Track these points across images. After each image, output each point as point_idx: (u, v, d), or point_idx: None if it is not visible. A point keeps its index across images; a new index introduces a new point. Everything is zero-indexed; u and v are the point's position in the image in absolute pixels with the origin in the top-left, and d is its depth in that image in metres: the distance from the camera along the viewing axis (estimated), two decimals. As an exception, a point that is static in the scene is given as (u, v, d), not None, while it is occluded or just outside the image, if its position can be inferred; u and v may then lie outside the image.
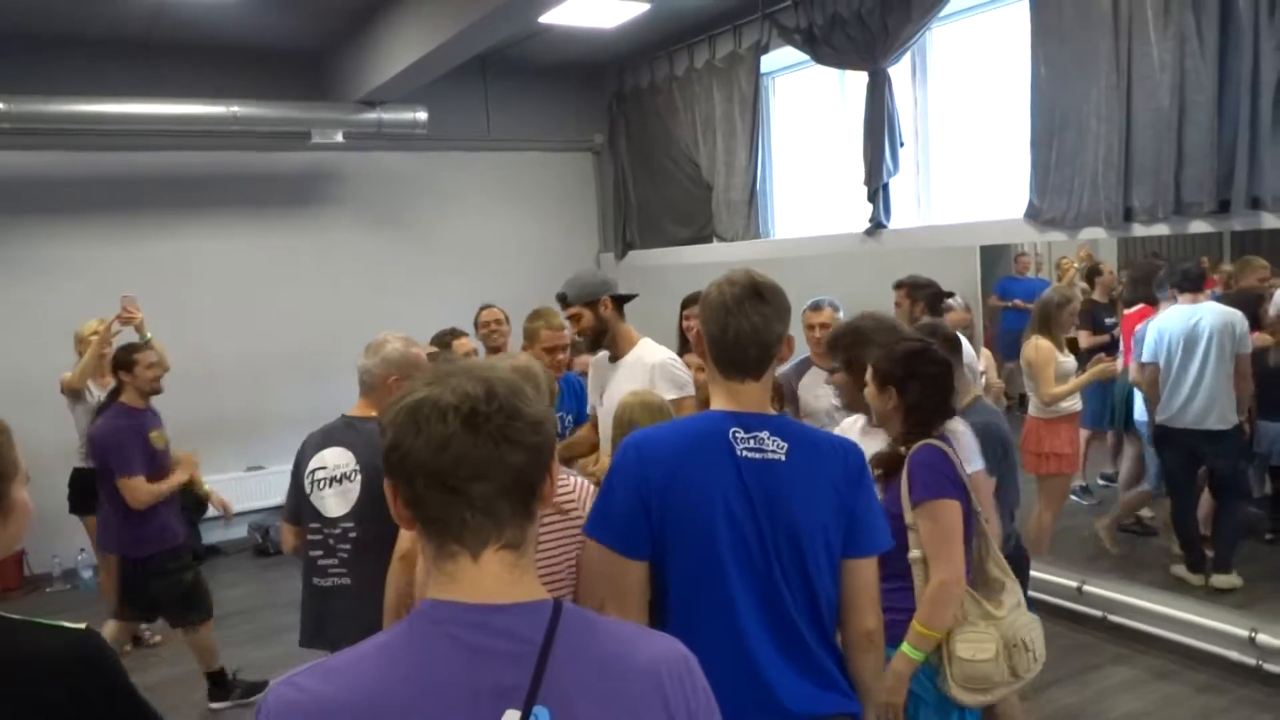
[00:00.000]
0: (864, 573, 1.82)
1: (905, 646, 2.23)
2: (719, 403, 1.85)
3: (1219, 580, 4.45)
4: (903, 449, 2.36)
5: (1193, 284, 4.65)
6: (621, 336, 3.26)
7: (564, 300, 3.24)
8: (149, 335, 5.02)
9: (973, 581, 2.34)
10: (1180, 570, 4.67)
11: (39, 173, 6.14)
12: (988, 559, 2.37)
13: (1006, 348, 7.67)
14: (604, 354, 3.37)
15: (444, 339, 4.78)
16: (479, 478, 1.01)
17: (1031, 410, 4.74)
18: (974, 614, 2.26)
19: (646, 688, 1.03)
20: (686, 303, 4.47)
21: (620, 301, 3.28)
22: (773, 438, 1.78)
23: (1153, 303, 5.01)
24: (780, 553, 1.74)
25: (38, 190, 6.15)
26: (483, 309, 5.27)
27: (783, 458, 1.77)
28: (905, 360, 2.37)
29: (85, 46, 6.01)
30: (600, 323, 3.21)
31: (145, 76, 6.09)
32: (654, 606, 1.82)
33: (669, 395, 3.00)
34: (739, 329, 1.79)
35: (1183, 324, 4.55)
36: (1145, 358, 4.68)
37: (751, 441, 1.77)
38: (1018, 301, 7.19)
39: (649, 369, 3.13)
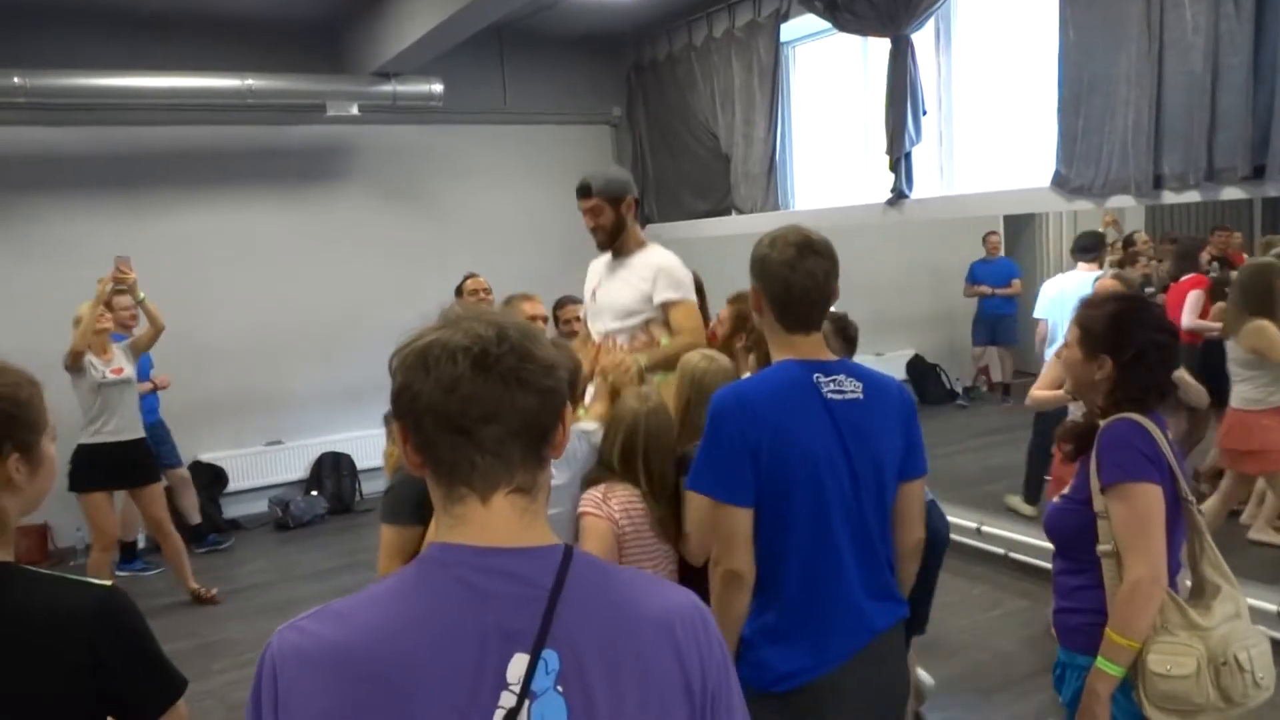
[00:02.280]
0: (915, 492, 2.01)
1: (1100, 660, 1.91)
2: (781, 353, 1.95)
3: None
4: (1101, 422, 2.02)
5: (1088, 253, 5.00)
6: (632, 237, 3.27)
7: (586, 191, 3.19)
8: (142, 295, 5.11)
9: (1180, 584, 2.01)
10: (1014, 500, 5.26)
11: (54, 148, 6.13)
12: (1202, 558, 2.02)
13: (983, 335, 7.49)
14: (605, 256, 3.37)
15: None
16: (489, 419, 0.99)
17: (1236, 402, 4.17)
18: (1175, 621, 1.91)
19: (658, 637, 1.02)
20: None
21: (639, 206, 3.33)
22: (849, 379, 1.92)
23: (1201, 273, 5.03)
24: (867, 483, 1.89)
25: (53, 165, 6.15)
26: (467, 278, 5.23)
27: (861, 396, 1.91)
28: (1124, 324, 2.00)
29: (101, 20, 5.97)
30: (620, 220, 3.20)
31: (160, 50, 6.07)
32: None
33: (669, 295, 3.11)
34: (804, 285, 1.88)
35: (1059, 290, 4.96)
36: (1035, 314, 5.12)
37: (833, 384, 1.89)
38: (983, 287, 7.02)
39: (655, 270, 3.15)
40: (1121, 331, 1.99)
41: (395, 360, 1.03)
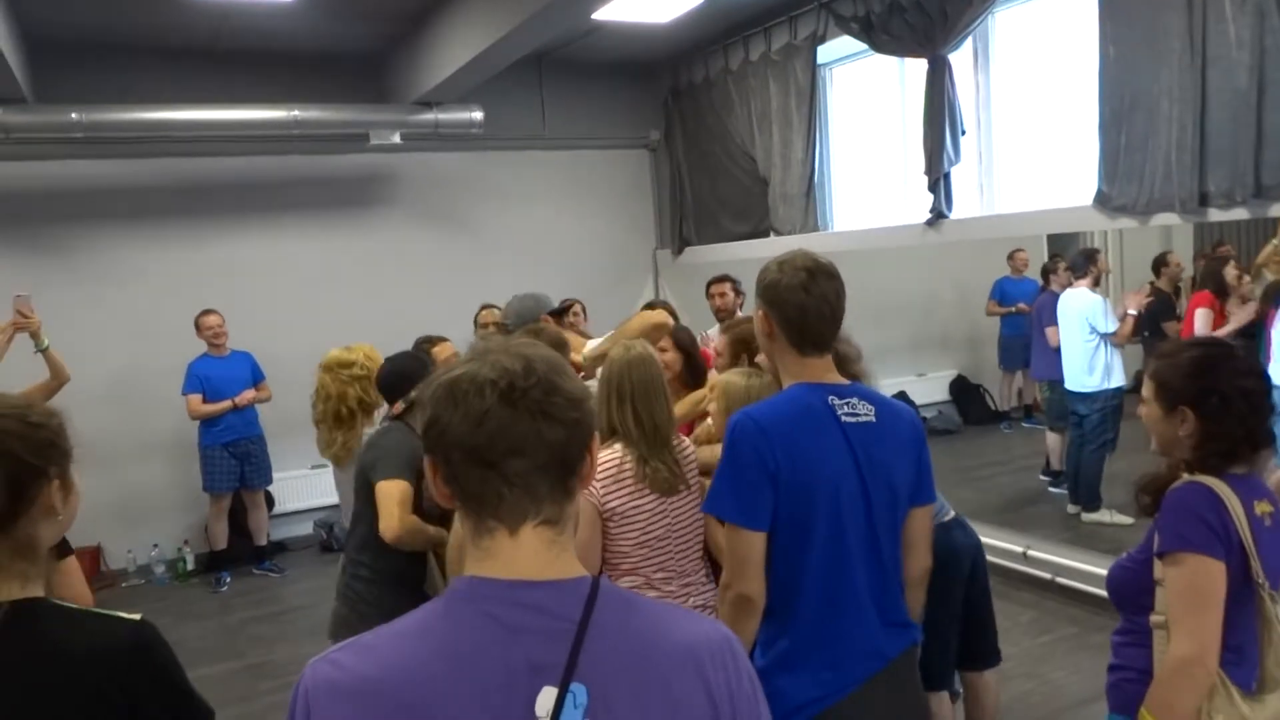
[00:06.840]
0: (924, 518, 2.04)
1: None
2: (794, 377, 1.95)
3: None
4: (1185, 475, 1.84)
5: (1078, 270, 5.65)
6: (572, 348, 3.24)
7: (506, 331, 3.35)
8: (46, 343, 4.24)
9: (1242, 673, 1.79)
10: (1095, 515, 5.59)
11: (110, 181, 6.32)
12: (1268, 651, 1.80)
13: (1010, 357, 7.34)
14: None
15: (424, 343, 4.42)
16: (516, 453, 0.99)
17: None
18: (1221, 706, 1.72)
19: (686, 668, 1.01)
20: (711, 282, 5.02)
21: (559, 315, 3.38)
22: (861, 402, 1.93)
23: (1219, 291, 5.21)
24: (880, 507, 1.89)
25: (109, 197, 6.34)
26: (483, 308, 5.27)
27: (874, 419, 1.92)
28: (1204, 371, 1.82)
29: (154, 55, 6.16)
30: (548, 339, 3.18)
31: (211, 83, 6.25)
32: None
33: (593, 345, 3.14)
34: (818, 309, 1.89)
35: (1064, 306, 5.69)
36: (1103, 327, 5.50)
37: (847, 407, 1.90)
38: (1021, 305, 6.89)
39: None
40: (1202, 379, 1.82)
41: (424, 394, 1.05)
